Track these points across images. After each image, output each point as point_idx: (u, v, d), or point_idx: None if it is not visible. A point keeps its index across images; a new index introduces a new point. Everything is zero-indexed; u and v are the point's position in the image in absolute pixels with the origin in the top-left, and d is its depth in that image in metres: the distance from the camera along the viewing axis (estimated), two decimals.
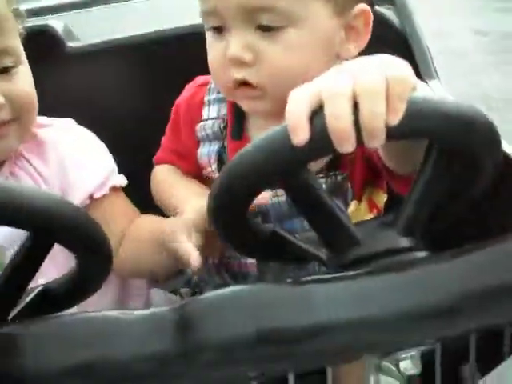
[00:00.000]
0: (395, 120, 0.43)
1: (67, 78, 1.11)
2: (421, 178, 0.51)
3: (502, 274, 0.46)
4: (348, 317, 0.44)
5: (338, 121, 0.43)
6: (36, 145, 0.86)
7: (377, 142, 0.44)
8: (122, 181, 0.89)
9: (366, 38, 0.77)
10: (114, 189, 0.87)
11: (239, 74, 0.74)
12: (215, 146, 0.85)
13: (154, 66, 1.15)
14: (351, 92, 0.43)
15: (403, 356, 0.49)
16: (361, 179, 0.80)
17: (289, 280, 0.48)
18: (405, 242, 0.52)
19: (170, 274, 0.91)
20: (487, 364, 0.52)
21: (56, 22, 1.13)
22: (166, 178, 0.93)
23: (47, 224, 0.49)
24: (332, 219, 0.51)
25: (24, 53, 0.82)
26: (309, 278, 0.47)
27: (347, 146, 0.44)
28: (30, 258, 0.53)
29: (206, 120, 0.87)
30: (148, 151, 0.95)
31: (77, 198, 0.83)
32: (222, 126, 0.85)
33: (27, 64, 0.82)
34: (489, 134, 0.49)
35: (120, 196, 0.89)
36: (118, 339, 0.44)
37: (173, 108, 0.92)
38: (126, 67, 1.16)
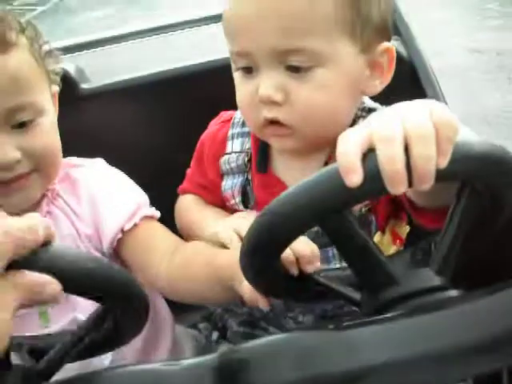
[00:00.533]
0: (444, 163, 0.45)
1: (82, 119, 1.13)
2: (454, 218, 0.52)
3: None
4: (391, 359, 0.45)
5: (392, 163, 0.44)
6: (69, 184, 0.88)
7: (427, 184, 0.45)
8: (154, 212, 0.90)
9: (390, 74, 0.81)
10: (146, 218, 0.88)
11: (270, 114, 0.76)
12: (239, 179, 0.87)
13: (168, 103, 1.17)
14: (403, 135, 0.45)
15: None
16: (384, 211, 0.81)
17: (330, 326, 0.48)
18: (439, 280, 0.53)
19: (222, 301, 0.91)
20: None
21: (69, 65, 1.14)
22: (193, 206, 0.94)
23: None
24: (371, 258, 0.52)
25: (50, 103, 0.83)
26: (350, 323, 0.47)
27: (399, 187, 0.45)
28: None
29: (230, 153, 0.89)
30: (170, 189, 0.96)
31: (109, 233, 0.85)
32: (246, 159, 0.87)
33: (51, 113, 0.84)
34: None
35: (155, 225, 0.89)
36: None
37: (198, 143, 0.94)
38: (138, 106, 1.17)
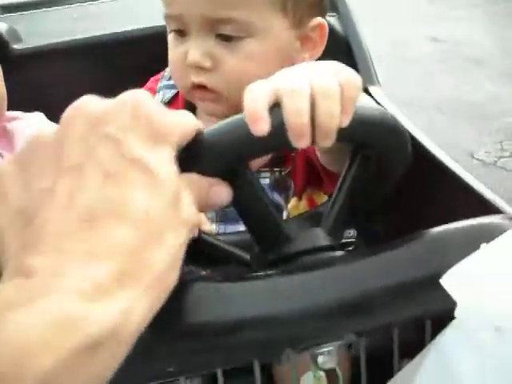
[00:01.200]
0: (346, 121, 0.46)
1: (14, 79, 1.11)
2: (346, 180, 0.54)
3: (412, 270, 0.49)
4: (265, 313, 0.46)
5: (298, 117, 0.45)
6: (5, 136, 0.87)
7: (329, 141, 0.47)
8: None
9: (321, 48, 0.82)
10: None
11: (197, 79, 0.77)
12: None
13: (100, 66, 1.17)
14: (309, 91, 0.46)
15: (321, 351, 0.51)
16: (302, 177, 0.83)
17: (217, 277, 0.49)
18: (328, 240, 0.55)
19: None
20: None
21: (1, 24, 1.12)
22: None
23: None
24: (266, 216, 0.53)
25: None
26: (232, 276, 0.49)
27: (303, 141, 0.46)
28: None
29: None
30: None
31: None
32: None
33: None
34: (405, 141, 0.54)
35: None
36: None
37: None
38: (70, 68, 1.16)
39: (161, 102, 0.90)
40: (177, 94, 0.90)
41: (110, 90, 1.14)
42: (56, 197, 0.36)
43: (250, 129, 0.45)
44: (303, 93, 0.46)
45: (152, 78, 0.97)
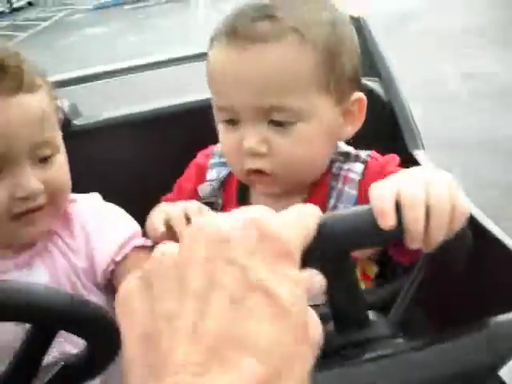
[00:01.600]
0: (446, 236, 0.57)
1: (75, 154, 1.17)
2: (418, 277, 0.61)
3: (472, 361, 0.53)
4: None
5: (415, 225, 0.55)
6: (64, 220, 0.92)
7: (430, 248, 0.56)
8: (146, 242, 0.92)
9: (361, 120, 0.88)
10: (137, 248, 0.91)
11: (254, 165, 0.82)
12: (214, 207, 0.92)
13: (159, 138, 1.23)
14: (426, 203, 0.56)
15: None
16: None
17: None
18: (395, 329, 0.59)
19: None
20: None
21: (63, 101, 1.19)
22: None
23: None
24: (356, 302, 0.59)
25: (62, 142, 0.89)
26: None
27: (417, 244, 0.56)
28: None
29: (207, 181, 0.95)
30: None
31: (101, 264, 0.89)
32: (217, 186, 0.93)
33: (64, 152, 0.89)
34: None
35: (147, 254, 0.91)
36: None
37: (191, 164, 1.01)
38: (129, 141, 1.22)
39: (216, 179, 0.94)
40: (231, 172, 0.95)
41: (163, 161, 1.20)
42: (181, 324, 0.35)
43: (371, 221, 0.53)
44: (421, 202, 0.55)
45: (201, 153, 1.02)
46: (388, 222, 0.53)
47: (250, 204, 0.91)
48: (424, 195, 0.56)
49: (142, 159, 1.23)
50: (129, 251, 0.90)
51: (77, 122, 1.21)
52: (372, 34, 1.29)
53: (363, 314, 0.60)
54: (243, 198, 0.92)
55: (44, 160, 0.84)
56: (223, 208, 0.93)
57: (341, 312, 0.59)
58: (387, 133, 1.16)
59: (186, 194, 0.96)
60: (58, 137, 0.87)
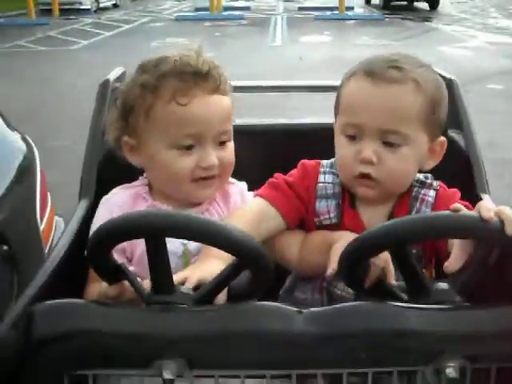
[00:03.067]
0: None
1: None
2: (472, 266, 0.88)
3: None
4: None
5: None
6: (223, 194, 1.23)
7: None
8: None
9: (439, 158, 1.18)
10: None
11: (366, 170, 1.10)
12: (333, 202, 1.18)
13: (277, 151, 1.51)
14: None
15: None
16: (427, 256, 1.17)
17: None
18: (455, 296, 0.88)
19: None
20: None
21: None
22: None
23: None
24: (419, 276, 0.88)
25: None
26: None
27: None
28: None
29: (324, 183, 1.20)
30: None
31: None
32: (340, 189, 1.19)
33: (232, 140, 1.20)
34: None
35: None
36: None
37: (300, 165, 1.25)
38: (253, 149, 1.50)
39: (333, 182, 1.20)
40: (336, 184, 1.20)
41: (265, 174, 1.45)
42: None
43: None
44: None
45: (307, 162, 1.25)
46: (490, 224, 0.82)
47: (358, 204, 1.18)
48: None
49: (255, 166, 1.50)
50: None
51: None
52: (460, 93, 1.57)
53: (426, 284, 0.88)
54: (353, 200, 1.18)
55: (222, 144, 1.16)
56: (343, 199, 1.18)
57: (410, 280, 0.89)
58: (461, 176, 1.43)
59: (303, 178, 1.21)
60: (231, 129, 1.19)
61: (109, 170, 1.42)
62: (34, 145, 2.25)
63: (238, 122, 1.59)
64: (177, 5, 21.61)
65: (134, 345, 0.80)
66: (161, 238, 0.83)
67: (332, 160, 1.22)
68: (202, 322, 0.81)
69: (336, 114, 1.18)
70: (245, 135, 1.39)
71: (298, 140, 1.54)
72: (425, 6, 17.96)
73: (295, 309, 0.81)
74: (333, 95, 1.21)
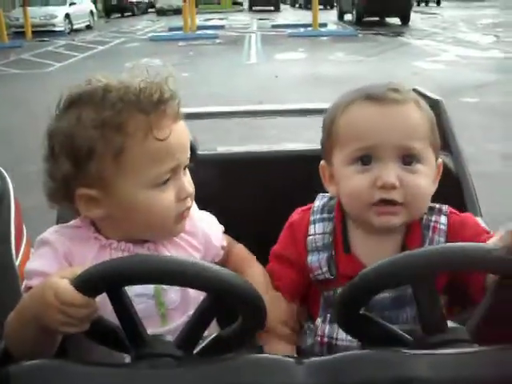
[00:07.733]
0: None
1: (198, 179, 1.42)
2: (485, 305, 0.83)
3: None
4: None
5: None
6: (190, 234, 1.16)
7: None
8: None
9: (437, 180, 1.12)
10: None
11: (389, 196, 1.04)
12: (325, 254, 1.13)
13: (267, 179, 1.47)
14: None
15: None
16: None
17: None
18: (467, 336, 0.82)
19: None
20: None
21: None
22: None
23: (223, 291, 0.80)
24: (438, 311, 0.82)
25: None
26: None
27: None
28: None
29: (314, 235, 1.15)
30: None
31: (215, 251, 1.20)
32: (330, 239, 1.14)
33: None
34: None
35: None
36: None
37: (287, 226, 1.20)
38: (242, 177, 1.46)
39: (323, 232, 1.15)
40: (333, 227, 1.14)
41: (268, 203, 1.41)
42: None
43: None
44: None
45: (299, 210, 1.20)
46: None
47: (355, 245, 1.12)
48: None
49: (254, 194, 1.47)
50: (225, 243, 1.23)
51: (200, 152, 1.46)
52: (447, 114, 1.54)
53: (444, 321, 0.82)
54: (347, 243, 1.12)
55: (184, 169, 1.09)
56: (335, 248, 1.12)
57: (425, 317, 0.83)
58: (452, 197, 1.39)
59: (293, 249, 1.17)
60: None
61: None
62: (6, 173, 2.16)
63: (220, 149, 1.56)
64: (150, 25, 21.64)
65: None
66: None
67: (325, 200, 1.17)
68: (196, 378, 0.74)
69: (331, 148, 1.11)
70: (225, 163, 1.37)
71: (277, 167, 1.49)
72: (396, 21, 18.17)
73: (294, 360, 0.76)
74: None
